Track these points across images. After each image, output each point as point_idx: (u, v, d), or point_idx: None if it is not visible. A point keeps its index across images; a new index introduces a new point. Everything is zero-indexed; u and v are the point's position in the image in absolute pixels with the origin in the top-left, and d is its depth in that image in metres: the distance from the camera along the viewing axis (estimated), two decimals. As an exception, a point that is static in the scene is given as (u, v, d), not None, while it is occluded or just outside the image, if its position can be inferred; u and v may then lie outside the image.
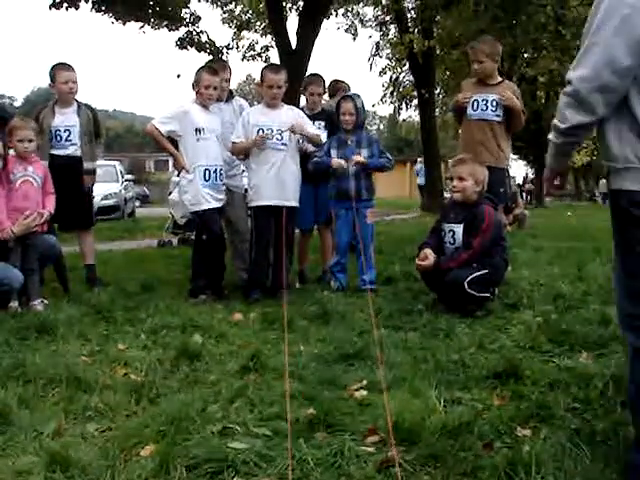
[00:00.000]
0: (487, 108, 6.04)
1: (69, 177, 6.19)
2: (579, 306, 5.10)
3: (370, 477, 2.34)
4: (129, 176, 24.85)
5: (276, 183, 5.89)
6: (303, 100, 7.18)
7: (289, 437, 2.55)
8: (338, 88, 7.37)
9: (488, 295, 5.09)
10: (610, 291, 5.59)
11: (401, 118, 33.24)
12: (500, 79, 6.25)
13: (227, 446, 2.61)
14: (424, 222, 12.25)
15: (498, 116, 6.05)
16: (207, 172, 5.80)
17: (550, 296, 5.50)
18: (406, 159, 43.94)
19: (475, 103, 6.08)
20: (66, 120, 6.34)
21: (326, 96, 7.30)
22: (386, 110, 76.61)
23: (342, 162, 5.92)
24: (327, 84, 7.14)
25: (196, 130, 5.83)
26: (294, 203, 6.00)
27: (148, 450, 2.62)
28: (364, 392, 3.27)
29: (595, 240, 9.85)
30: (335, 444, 2.62)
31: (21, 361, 3.74)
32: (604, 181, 2.86)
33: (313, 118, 6.40)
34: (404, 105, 29.27)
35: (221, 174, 5.92)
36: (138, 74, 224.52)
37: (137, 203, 26.39)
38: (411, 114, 32.58)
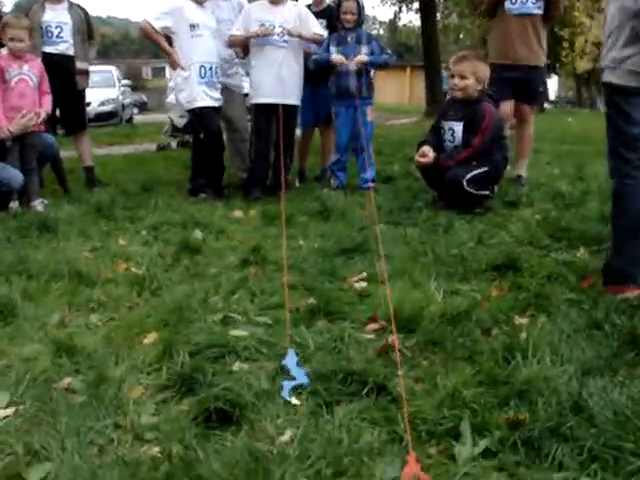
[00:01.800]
0: (527, 0, 5.75)
1: (61, 76, 6.06)
2: (578, 204, 5.10)
3: (370, 361, 2.37)
4: (126, 82, 24.42)
5: (277, 81, 5.79)
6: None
7: (287, 321, 2.58)
8: None
9: (487, 193, 5.07)
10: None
11: (401, 23, 32.43)
12: None
13: (229, 333, 2.66)
14: (424, 126, 12.14)
15: (539, 8, 5.78)
16: (203, 69, 5.71)
17: (550, 195, 5.50)
18: (406, 65, 43.06)
19: None
20: (56, 16, 6.18)
21: None
22: (386, 15, 75.03)
23: (342, 57, 5.81)
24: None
25: (190, 26, 5.70)
26: (295, 101, 5.92)
27: (151, 338, 2.66)
28: (364, 283, 3.31)
29: (595, 144, 9.74)
30: (335, 331, 2.66)
31: (23, 257, 3.76)
32: None
33: (315, 16, 6.25)
34: (404, 8, 28.53)
35: (217, 72, 5.83)
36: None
37: (135, 110, 26.04)
38: (411, 18, 31.85)
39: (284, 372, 2.34)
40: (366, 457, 1.79)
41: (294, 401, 2.14)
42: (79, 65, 6.34)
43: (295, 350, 2.48)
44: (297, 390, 2.21)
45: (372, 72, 6.15)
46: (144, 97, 35.40)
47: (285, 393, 2.17)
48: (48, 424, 2.02)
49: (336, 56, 5.83)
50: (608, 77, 3.06)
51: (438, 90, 22.17)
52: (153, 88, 41.25)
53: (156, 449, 1.87)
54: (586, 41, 38.39)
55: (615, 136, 3.09)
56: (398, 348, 2.48)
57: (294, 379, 2.26)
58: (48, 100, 5.62)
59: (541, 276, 3.37)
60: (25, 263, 3.66)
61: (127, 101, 22.45)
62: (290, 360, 2.39)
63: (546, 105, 33.23)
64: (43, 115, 5.48)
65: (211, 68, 5.76)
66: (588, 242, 3.99)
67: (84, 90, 6.58)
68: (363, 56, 5.85)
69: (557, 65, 39.54)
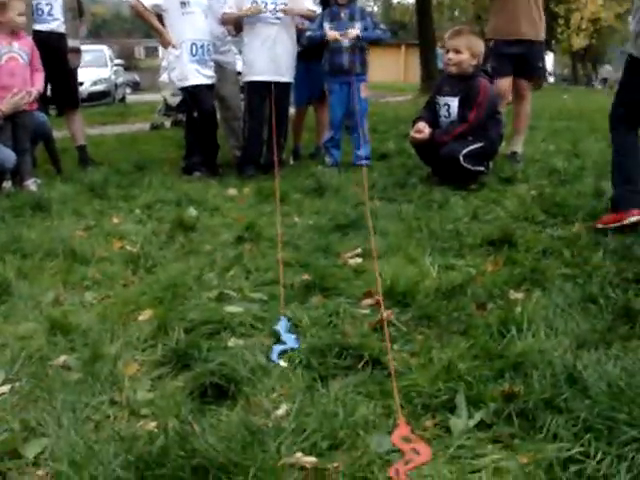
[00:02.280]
0: None
1: (53, 54, 5.98)
2: (573, 180, 5.09)
3: (365, 335, 2.38)
4: (119, 61, 24.26)
5: (270, 58, 5.75)
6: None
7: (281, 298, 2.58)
8: None
9: (483, 169, 5.07)
10: (605, 165, 5.58)
11: (395, 0, 32.22)
12: None
13: (224, 310, 2.65)
14: (419, 104, 12.13)
15: None
16: (194, 47, 5.67)
17: (545, 171, 5.49)
18: (400, 43, 42.84)
19: None
20: None
21: None
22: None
23: (336, 34, 5.77)
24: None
25: (181, 3, 5.66)
26: (288, 79, 5.89)
27: (146, 315, 2.65)
28: (359, 259, 3.30)
29: (591, 121, 9.75)
30: (330, 306, 2.66)
31: (17, 237, 3.74)
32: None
33: None
34: (399, -15, 28.31)
35: (209, 49, 5.78)
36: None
37: (128, 90, 25.90)
38: (406, -5, 31.67)
39: (275, 337, 2.44)
40: (361, 430, 1.80)
41: (282, 363, 2.23)
42: (71, 43, 6.27)
43: (287, 318, 2.57)
44: (292, 363, 2.22)
45: (366, 48, 6.10)
46: (137, 77, 35.19)
47: (274, 356, 2.28)
48: (44, 401, 2.02)
49: (331, 33, 5.78)
50: (630, 48, 3.52)
51: (433, 67, 22.05)
52: (146, 68, 40.95)
53: (152, 424, 1.87)
54: (582, 18, 38.20)
55: (617, 95, 3.77)
56: (393, 322, 2.49)
57: (284, 344, 2.36)
58: (40, 77, 5.52)
59: (536, 251, 3.36)
60: (19, 242, 3.64)
61: (120, 81, 22.30)
62: (281, 326, 2.49)
63: (551, 80, 33.01)
64: (35, 93, 5.39)
65: (202, 46, 5.72)
66: (583, 218, 3.97)
67: (76, 68, 6.51)
68: (355, 29, 5.80)
69: (552, 42, 39.34)
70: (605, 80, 36.75)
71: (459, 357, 2.14)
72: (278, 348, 2.33)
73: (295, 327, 2.49)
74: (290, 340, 2.38)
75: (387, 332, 2.36)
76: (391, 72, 39.01)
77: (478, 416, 1.85)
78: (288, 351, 2.31)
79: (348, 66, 5.83)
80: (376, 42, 6.24)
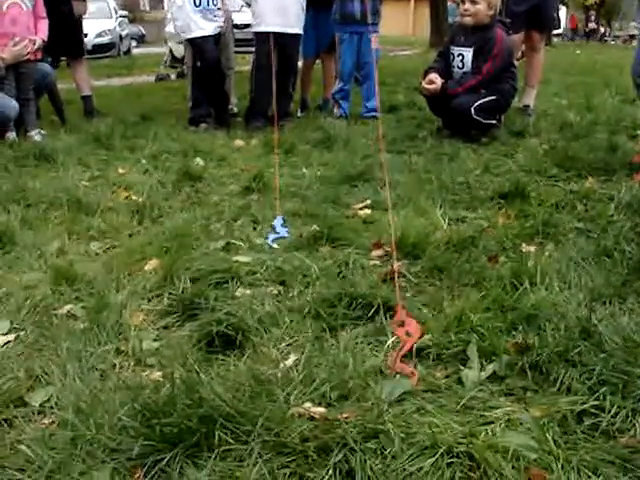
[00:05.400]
0: None
1: (57, 1, 5.86)
2: (586, 134, 4.99)
3: (375, 287, 2.33)
4: (123, 12, 23.92)
5: (278, 9, 5.61)
6: None
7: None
8: None
9: (494, 122, 4.97)
10: (619, 120, 5.50)
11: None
12: None
13: (231, 259, 2.63)
14: (428, 57, 11.94)
15: None
16: None
17: (557, 125, 5.40)
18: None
19: None
20: None
21: None
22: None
23: None
24: None
25: None
26: (297, 30, 5.76)
27: (152, 264, 2.62)
28: (368, 211, 3.27)
29: (605, 76, 9.59)
30: (340, 257, 2.63)
31: (22, 186, 3.71)
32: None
33: None
34: None
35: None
36: None
37: (133, 43, 25.56)
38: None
39: (272, 229, 2.99)
40: (371, 380, 1.76)
41: (275, 246, 2.80)
42: (76, -9, 6.16)
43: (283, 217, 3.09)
44: (301, 313, 2.18)
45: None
46: (142, 29, 34.70)
47: (269, 241, 2.85)
48: (49, 350, 2.00)
49: None
50: None
51: (443, 21, 21.63)
52: (152, 20, 40.39)
53: (158, 374, 1.85)
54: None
55: None
56: (403, 274, 2.45)
57: (278, 234, 2.92)
58: (44, 25, 5.37)
59: (549, 204, 3.31)
60: (23, 192, 3.60)
61: (124, 33, 21.98)
62: (277, 222, 3.05)
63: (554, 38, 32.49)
64: (39, 42, 5.26)
65: None
66: (597, 172, 3.90)
67: (81, 17, 6.40)
68: None
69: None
70: (633, 37, 36.03)
71: (471, 309, 2.10)
72: (273, 236, 2.89)
73: (304, 277, 2.45)
74: (283, 232, 2.95)
75: (397, 282, 2.31)
76: (400, 26, 38.44)
77: (490, 368, 1.82)
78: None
79: (360, 15, 5.69)
80: None
